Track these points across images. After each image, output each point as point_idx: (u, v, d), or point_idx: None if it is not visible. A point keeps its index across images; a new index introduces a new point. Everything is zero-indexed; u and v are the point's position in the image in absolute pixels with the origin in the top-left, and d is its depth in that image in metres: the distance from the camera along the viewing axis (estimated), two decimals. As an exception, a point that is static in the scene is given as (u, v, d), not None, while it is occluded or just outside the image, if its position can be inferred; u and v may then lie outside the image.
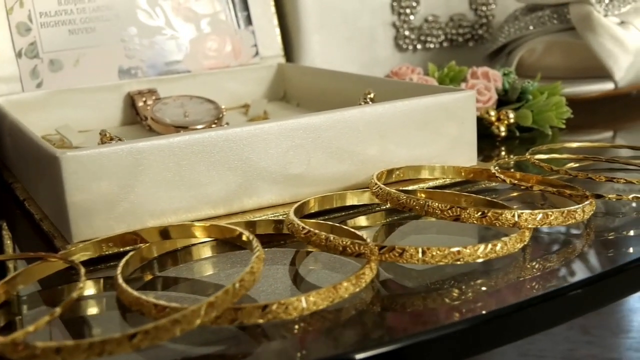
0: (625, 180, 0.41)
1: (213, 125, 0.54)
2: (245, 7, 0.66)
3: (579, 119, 0.65)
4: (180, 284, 0.35)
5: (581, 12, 0.64)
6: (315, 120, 0.41)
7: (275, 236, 0.39)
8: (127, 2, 0.62)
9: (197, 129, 0.53)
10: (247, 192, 0.40)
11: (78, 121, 0.59)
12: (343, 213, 0.42)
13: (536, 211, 0.35)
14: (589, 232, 0.38)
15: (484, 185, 0.46)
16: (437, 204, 0.35)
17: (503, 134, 0.55)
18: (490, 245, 0.32)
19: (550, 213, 0.35)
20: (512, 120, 0.55)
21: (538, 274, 0.34)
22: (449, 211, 0.35)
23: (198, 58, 0.64)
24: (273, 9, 0.67)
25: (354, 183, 0.43)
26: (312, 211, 0.39)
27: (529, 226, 0.35)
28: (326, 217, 0.41)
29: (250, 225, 0.37)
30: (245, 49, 0.66)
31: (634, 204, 0.41)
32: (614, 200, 0.39)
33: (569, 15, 0.65)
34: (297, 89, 0.65)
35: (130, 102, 0.60)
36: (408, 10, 0.72)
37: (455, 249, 0.31)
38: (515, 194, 0.44)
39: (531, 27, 0.67)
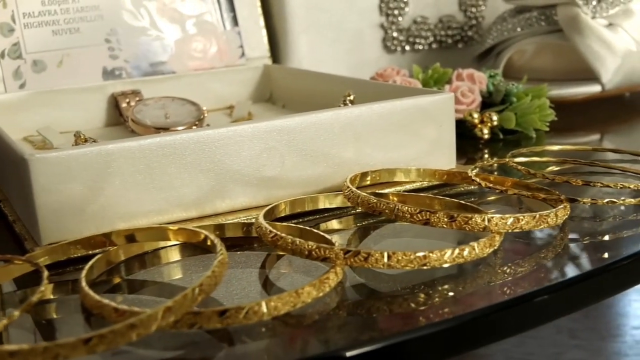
0: (602, 184, 0.40)
1: (194, 127, 0.54)
2: (232, 8, 0.66)
3: (566, 122, 0.64)
4: (148, 288, 0.34)
5: (568, 13, 0.63)
6: (290, 123, 0.41)
7: (249, 239, 0.38)
8: (112, 2, 0.61)
9: (177, 130, 0.53)
10: (219, 194, 0.40)
11: (62, 122, 0.59)
12: (318, 216, 0.42)
13: (507, 215, 0.34)
14: (562, 236, 0.38)
15: (462, 189, 0.45)
16: (406, 207, 0.35)
17: (486, 136, 0.55)
18: (457, 250, 0.32)
19: (521, 217, 0.34)
20: (495, 123, 0.55)
21: (509, 278, 0.33)
22: (419, 215, 0.34)
23: (183, 59, 0.64)
24: (259, 10, 0.67)
25: (330, 186, 0.42)
26: (283, 214, 0.39)
27: (500, 231, 0.34)
28: (300, 220, 0.41)
29: (219, 229, 0.37)
30: (231, 50, 0.65)
31: (622, 207, 0.40)
32: (589, 204, 0.38)
33: (557, 17, 0.65)
34: (283, 91, 0.65)
35: (114, 103, 0.60)
36: (396, 12, 0.71)
37: (420, 254, 0.31)
38: (494, 197, 0.44)
39: (519, 29, 0.67)
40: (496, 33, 0.68)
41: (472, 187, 0.45)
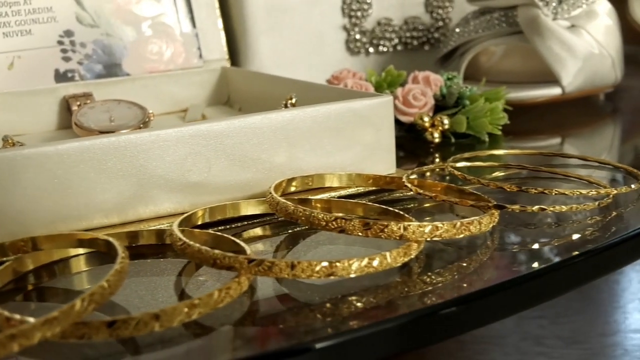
0: (537, 190, 0.39)
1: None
2: (189, 10, 0.65)
3: (526, 125, 0.63)
4: (56, 297, 0.33)
5: (529, 15, 0.62)
6: (216, 127, 0.40)
7: (170, 246, 0.38)
8: (65, 4, 0.61)
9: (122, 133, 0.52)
10: (142, 200, 0.39)
11: (13, 125, 0.58)
12: (251, 221, 0.41)
13: (424, 223, 0.33)
14: (489, 244, 0.37)
15: (401, 195, 0.44)
16: (321, 215, 0.34)
17: (437, 140, 0.54)
18: (366, 260, 0.31)
19: (440, 225, 0.33)
20: (446, 127, 0.54)
21: (429, 288, 0.32)
22: (333, 223, 0.33)
23: (139, 61, 0.63)
24: (218, 12, 0.66)
25: (260, 191, 0.41)
26: (201, 222, 0.38)
27: (418, 239, 0.33)
28: (229, 226, 0.40)
29: (133, 236, 0.36)
30: (188, 53, 0.65)
31: (578, 214, 0.39)
32: (518, 211, 0.37)
33: (518, 19, 0.64)
34: (241, 93, 0.64)
35: (66, 106, 0.59)
36: (359, 13, 0.70)
37: (325, 264, 0.30)
38: (431, 204, 0.43)
39: (480, 31, 0.65)
40: (458, 35, 0.67)
41: (410, 192, 0.44)
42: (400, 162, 0.53)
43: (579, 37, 0.63)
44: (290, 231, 0.40)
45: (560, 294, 0.35)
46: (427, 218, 0.41)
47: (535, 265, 0.35)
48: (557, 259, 0.35)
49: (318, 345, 0.28)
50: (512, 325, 0.72)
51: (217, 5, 0.66)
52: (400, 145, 0.56)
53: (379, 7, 0.71)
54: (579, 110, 0.68)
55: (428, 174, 0.49)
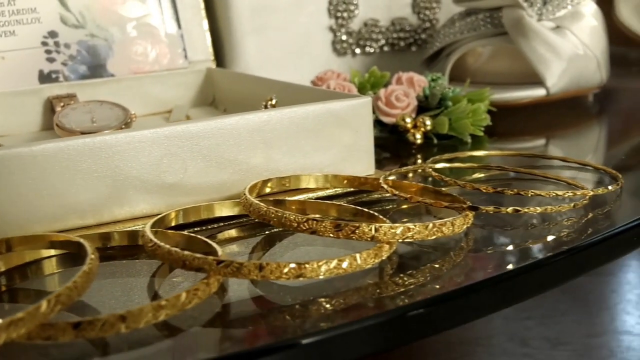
0: (513, 191, 0.39)
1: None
2: (174, 11, 0.65)
3: (512, 126, 0.63)
4: (28, 299, 0.33)
5: (513, 16, 0.62)
6: (192, 128, 0.40)
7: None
8: (49, 5, 0.61)
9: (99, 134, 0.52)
10: (118, 201, 0.39)
11: (-3, 126, 0.58)
12: (227, 223, 0.41)
13: (396, 225, 0.33)
14: (463, 246, 0.37)
15: (380, 196, 0.44)
16: (293, 216, 0.34)
17: (419, 141, 0.54)
18: (335, 262, 0.31)
19: (412, 227, 0.33)
20: (429, 128, 0.54)
21: (401, 290, 0.32)
22: (305, 224, 0.33)
23: (123, 62, 0.63)
24: (203, 13, 0.66)
25: (237, 193, 0.41)
26: (174, 223, 0.38)
27: (390, 240, 0.33)
28: (206, 227, 0.40)
29: (106, 237, 0.36)
30: (173, 54, 0.65)
31: (555, 216, 0.39)
32: (492, 212, 0.37)
33: (503, 20, 0.64)
34: (226, 95, 0.64)
35: (51, 107, 0.59)
36: (345, 14, 0.70)
37: (293, 265, 0.30)
38: (408, 205, 0.43)
39: (465, 32, 0.65)
40: (443, 36, 0.67)
41: (387, 194, 0.44)
42: (382, 163, 0.53)
43: (563, 38, 0.63)
44: (267, 232, 0.40)
45: (533, 295, 0.35)
46: (405, 219, 0.41)
47: (510, 267, 0.35)
48: (530, 261, 0.35)
49: (286, 346, 0.28)
50: (499, 326, 0.72)
51: (202, 6, 0.66)
52: (383, 146, 0.57)
53: (365, 8, 0.71)
54: (566, 112, 0.68)
55: (411, 174, 0.49)
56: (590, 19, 0.65)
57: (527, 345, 0.69)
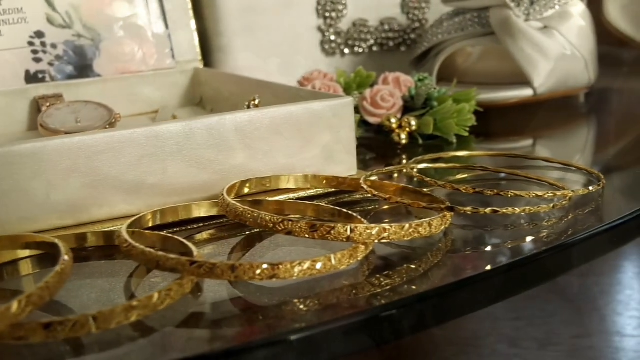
0: (494, 192, 0.39)
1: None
2: (162, 11, 0.65)
3: (499, 127, 0.63)
4: (3, 299, 0.33)
5: (500, 16, 0.62)
6: (172, 128, 0.40)
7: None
8: (36, 5, 0.61)
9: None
10: (97, 202, 0.39)
11: (-17, 126, 0.58)
12: (207, 223, 0.41)
13: (372, 225, 0.33)
14: (441, 247, 0.37)
15: (361, 196, 0.44)
16: (269, 217, 0.34)
17: (404, 141, 0.54)
18: (309, 263, 0.31)
19: (388, 227, 0.33)
20: (414, 128, 0.54)
21: (377, 290, 0.32)
22: (281, 224, 0.33)
23: (110, 62, 0.63)
24: (191, 13, 0.66)
25: (218, 193, 0.41)
26: (151, 224, 0.38)
27: (365, 241, 0.33)
28: (186, 228, 0.40)
29: (82, 238, 0.36)
30: (160, 54, 0.64)
31: (536, 216, 0.39)
32: (470, 213, 0.37)
33: (491, 20, 0.64)
34: (214, 95, 0.64)
35: (37, 107, 0.59)
36: (334, 14, 0.70)
37: (265, 266, 0.30)
38: (389, 206, 0.43)
39: (453, 32, 0.65)
40: (432, 36, 0.67)
41: (368, 194, 0.43)
42: (367, 163, 0.53)
43: (551, 38, 0.63)
44: (247, 233, 0.40)
45: (511, 295, 0.35)
46: (386, 220, 0.41)
47: (487, 267, 0.35)
48: (507, 261, 0.35)
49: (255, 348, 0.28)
50: (488, 327, 0.72)
51: (190, 6, 0.66)
52: (368, 146, 0.57)
53: (354, 8, 0.71)
54: (555, 112, 0.68)
55: (396, 175, 0.49)
56: (578, 20, 0.65)
57: (516, 346, 0.69)
